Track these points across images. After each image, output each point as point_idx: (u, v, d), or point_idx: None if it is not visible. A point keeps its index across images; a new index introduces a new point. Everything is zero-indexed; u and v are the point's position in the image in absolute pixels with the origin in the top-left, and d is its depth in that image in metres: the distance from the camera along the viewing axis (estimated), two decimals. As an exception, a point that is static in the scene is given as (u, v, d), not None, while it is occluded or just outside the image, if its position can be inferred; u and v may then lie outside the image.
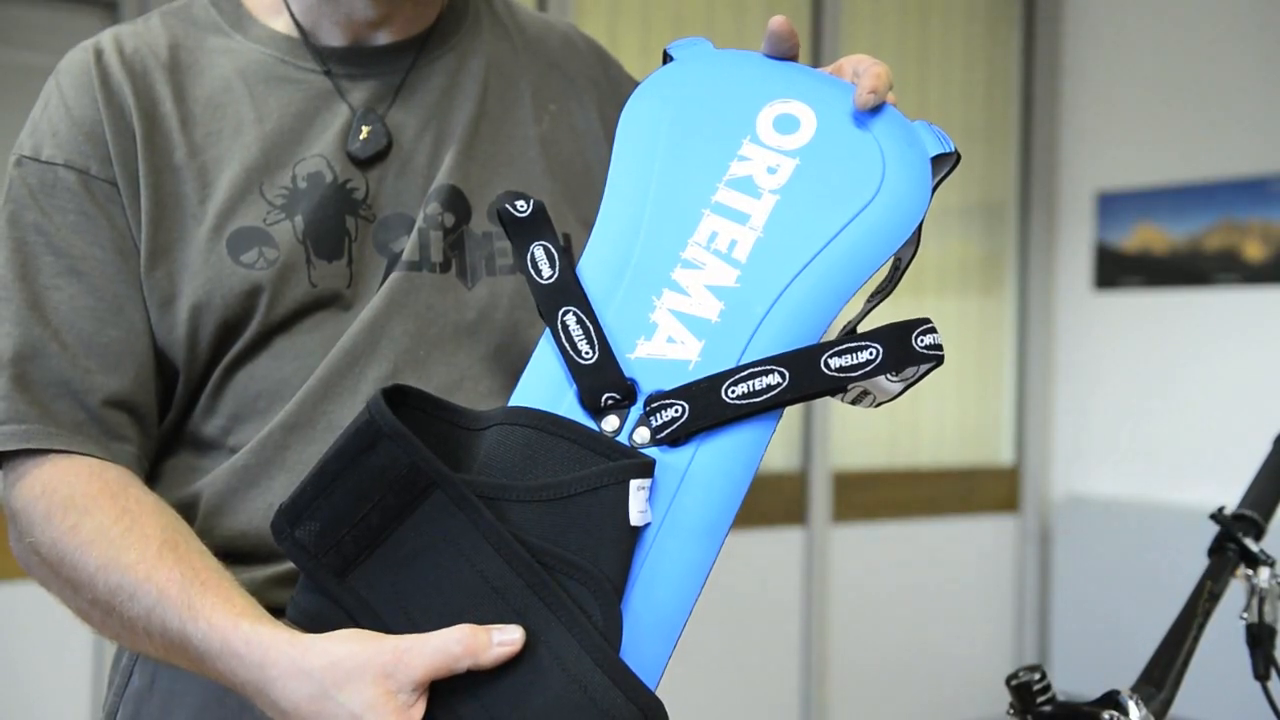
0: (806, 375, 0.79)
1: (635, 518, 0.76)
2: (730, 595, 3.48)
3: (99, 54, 1.00)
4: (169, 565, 0.85)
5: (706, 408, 0.79)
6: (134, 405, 0.96)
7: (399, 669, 0.73)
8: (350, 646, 0.75)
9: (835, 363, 0.80)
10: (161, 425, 1.00)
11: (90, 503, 0.90)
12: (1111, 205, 4.02)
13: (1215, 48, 3.80)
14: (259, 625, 0.81)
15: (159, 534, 0.88)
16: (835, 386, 0.81)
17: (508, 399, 1.01)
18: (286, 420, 0.96)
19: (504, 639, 0.74)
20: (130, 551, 0.86)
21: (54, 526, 0.90)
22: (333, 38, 1.04)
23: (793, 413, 3.64)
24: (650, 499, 0.78)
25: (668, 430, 0.80)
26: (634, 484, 0.76)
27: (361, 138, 1.00)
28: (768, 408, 0.79)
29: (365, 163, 1.00)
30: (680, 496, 0.78)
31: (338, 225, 0.98)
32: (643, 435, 0.81)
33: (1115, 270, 4.01)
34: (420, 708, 0.75)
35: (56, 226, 0.96)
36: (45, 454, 0.93)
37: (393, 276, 0.98)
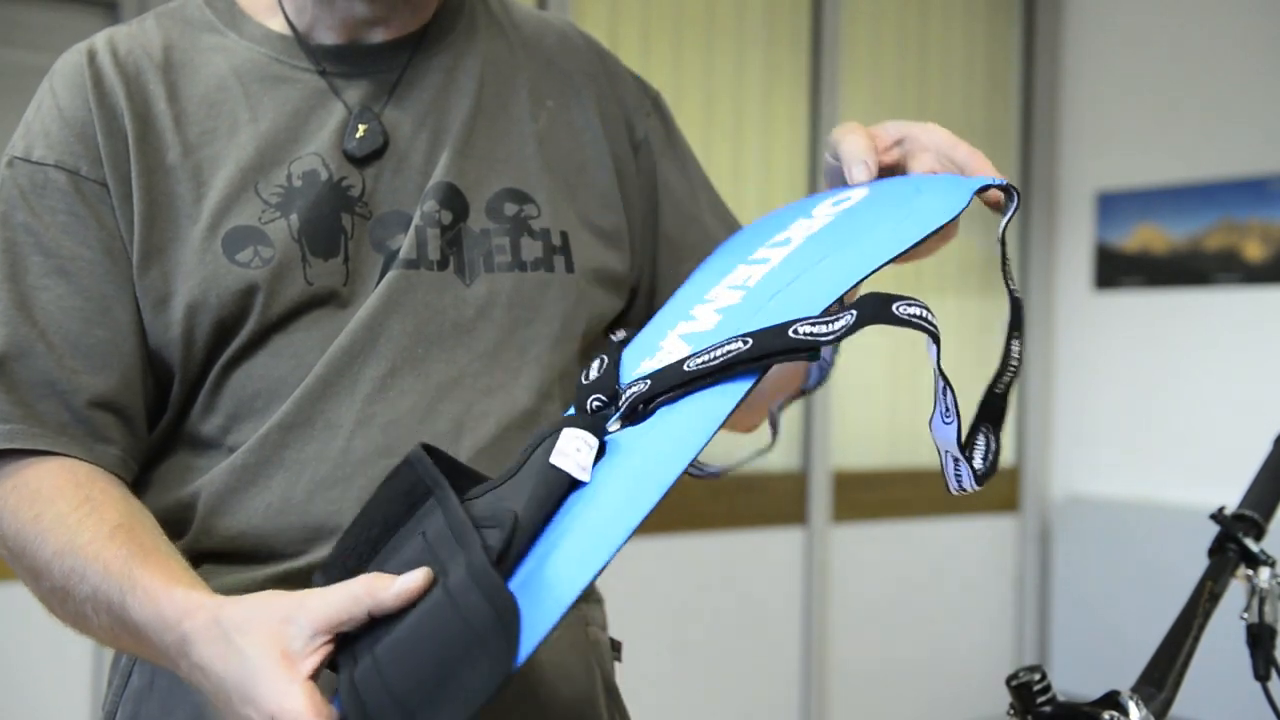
0: (771, 340, 0.76)
1: (559, 459, 0.73)
2: (730, 595, 3.48)
3: (92, 55, 1.00)
4: (118, 544, 0.85)
5: (667, 378, 0.78)
6: (120, 406, 0.96)
7: (299, 613, 0.72)
8: (262, 596, 0.75)
9: (805, 329, 0.77)
10: (159, 426, 1.00)
11: (55, 493, 0.90)
12: (1111, 205, 4.02)
13: (1215, 48, 3.80)
14: (191, 591, 0.80)
15: (115, 518, 0.88)
16: (800, 347, 0.76)
17: (505, 396, 1.01)
18: (284, 419, 0.96)
19: (407, 578, 0.72)
20: (84, 534, 0.87)
21: (19, 518, 0.90)
22: (328, 37, 1.04)
23: (793, 413, 3.63)
24: (599, 464, 0.75)
25: (628, 404, 0.79)
26: (567, 431, 0.75)
27: (358, 136, 1.00)
28: (726, 369, 0.76)
29: (361, 161, 1.00)
30: (625, 455, 0.76)
31: (333, 223, 0.98)
32: (615, 426, 0.81)
33: (1115, 270, 4.01)
34: (318, 656, 0.73)
35: (46, 226, 0.96)
36: (29, 454, 0.93)
37: (390, 275, 0.98)
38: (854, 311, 0.76)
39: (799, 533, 3.65)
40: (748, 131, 3.65)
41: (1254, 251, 3.70)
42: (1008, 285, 0.83)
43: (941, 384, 0.80)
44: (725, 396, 0.75)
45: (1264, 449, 1.22)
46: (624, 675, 1.14)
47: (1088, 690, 0.87)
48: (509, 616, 0.64)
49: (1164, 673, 0.99)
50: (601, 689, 1.08)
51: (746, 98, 3.65)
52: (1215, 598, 1.06)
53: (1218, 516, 1.13)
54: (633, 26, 3.46)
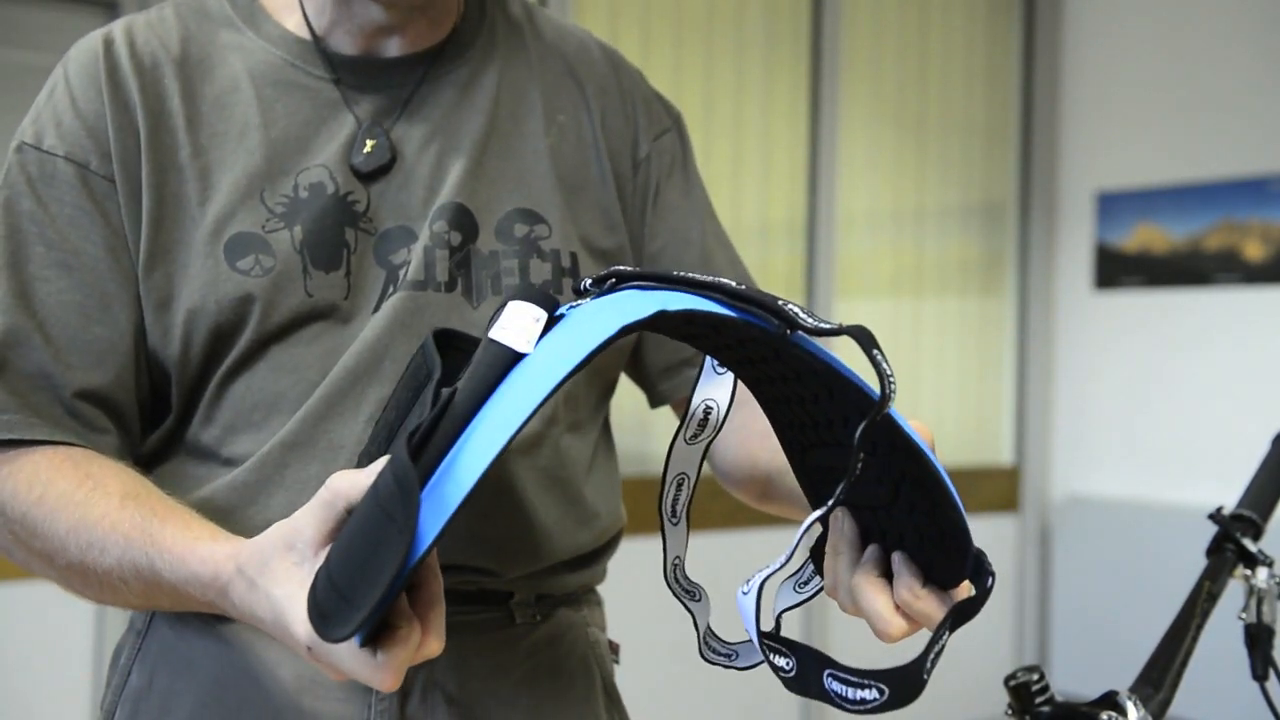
0: (760, 295, 0.71)
1: (498, 333, 0.70)
2: (730, 595, 3.47)
3: (109, 45, 0.99)
4: (130, 511, 0.86)
5: (653, 274, 0.73)
6: (112, 402, 0.96)
7: (296, 536, 0.73)
8: (267, 533, 0.75)
9: (794, 308, 0.71)
10: (159, 430, 1.00)
11: (53, 473, 0.90)
12: (1111, 205, 4.02)
13: (1215, 47, 3.80)
14: (214, 544, 0.81)
15: (119, 489, 0.88)
16: (779, 312, 0.70)
17: None
18: (287, 438, 0.95)
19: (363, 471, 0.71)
20: (95, 509, 0.87)
21: (20, 501, 0.90)
22: (345, 45, 1.02)
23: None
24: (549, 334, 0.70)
25: (603, 277, 0.74)
26: (512, 304, 0.71)
27: (365, 151, 0.99)
28: (707, 286, 0.71)
29: (367, 176, 0.99)
30: (568, 322, 0.70)
31: (336, 236, 0.97)
32: (582, 300, 0.75)
33: (1115, 270, 4.01)
34: None
35: (51, 218, 0.96)
36: (23, 444, 0.92)
37: (397, 296, 0.97)
38: (842, 324, 0.72)
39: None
40: (748, 131, 3.65)
41: (1254, 251, 3.70)
42: (925, 660, 0.77)
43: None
44: (691, 299, 0.71)
45: (1263, 449, 1.22)
46: (623, 676, 1.14)
47: (1087, 690, 0.87)
48: (407, 483, 0.64)
49: (1162, 673, 0.99)
50: (600, 690, 1.08)
51: (746, 98, 3.65)
52: (1213, 598, 1.06)
53: (1216, 516, 1.13)
54: (633, 26, 3.45)
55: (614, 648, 1.13)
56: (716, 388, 0.83)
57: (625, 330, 0.68)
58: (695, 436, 0.85)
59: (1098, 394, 4.05)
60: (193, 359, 0.96)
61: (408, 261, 0.98)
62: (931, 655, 0.75)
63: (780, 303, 0.71)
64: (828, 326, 0.70)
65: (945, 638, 0.77)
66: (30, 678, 2.68)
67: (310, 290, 0.96)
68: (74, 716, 2.70)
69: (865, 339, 0.71)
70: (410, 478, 0.64)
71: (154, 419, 1.01)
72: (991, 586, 0.77)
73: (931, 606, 0.78)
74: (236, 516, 0.95)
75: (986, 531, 4.01)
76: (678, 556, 0.88)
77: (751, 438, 1.05)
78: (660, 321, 0.70)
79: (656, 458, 3.38)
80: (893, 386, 0.70)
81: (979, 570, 0.78)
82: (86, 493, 0.88)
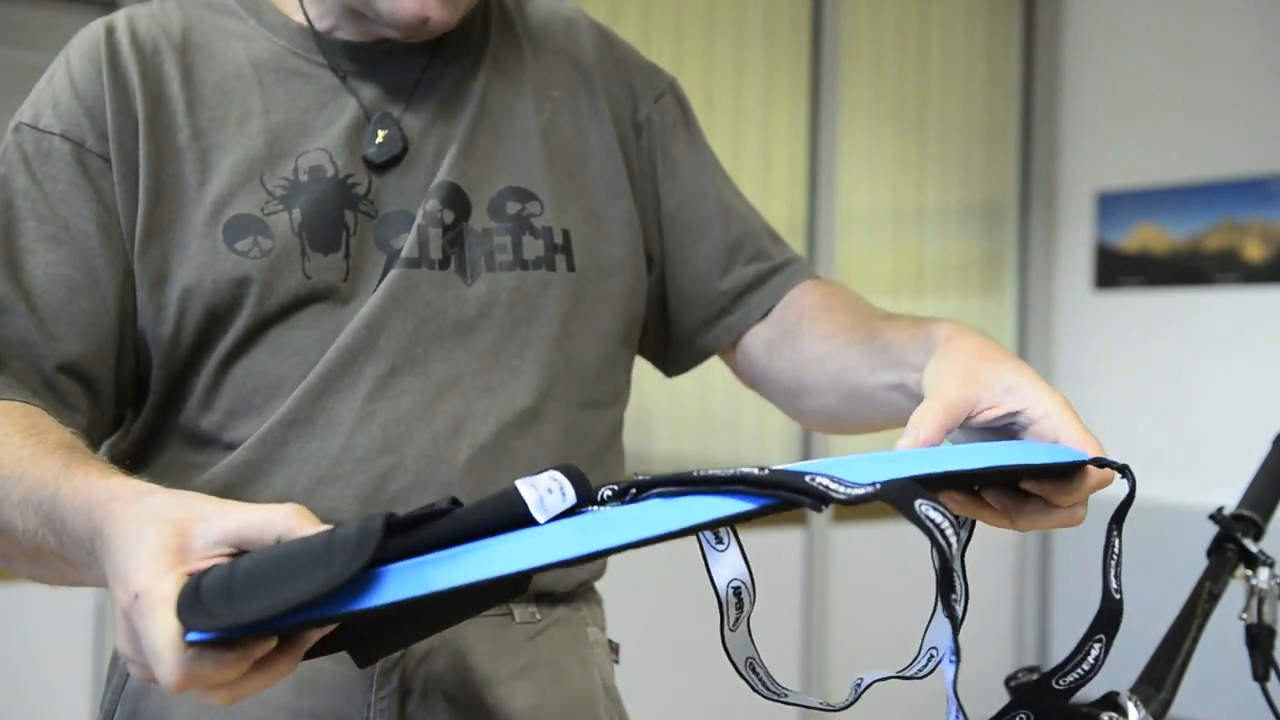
0: (786, 476, 0.69)
1: (525, 486, 0.68)
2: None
3: (110, 31, 1.01)
4: (58, 457, 0.82)
5: (673, 477, 0.71)
6: (90, 376, 0.96)
7: (216, 517, 0.67)
8: (196, 494, 0.71)
9: (822, 480, 0.70)
10: (146, 415, 1.00)
11: (1, 418, 0.88)
12: (1111, 205, 4.01)
13: (1215, 48, 3.80)
14: (126, 479, 0.76)
15: (58, 440, 0.85)
16: (808, 491, 0.69)
17: (505, 395, 1.00)
18: (285, 417, 0.96)
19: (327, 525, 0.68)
20: (26, 450, 0.84)
21: None
22: (348, 34, 1.04)
23: (793, 412, 3.63)
24: (568, 517, 0.69)
25: (625, 487, 0.72)
26: (551, 471, 0.70)
27: (378, 142, 1.00)
28: (731, 482, 0.69)
29: (381, 167, 1.00)
30: (587, 517, 0.69)
31: (336, 219, 0.98)
32: (602, 506, 0.73)
33: (1115, 270, 4.01)
34: (211, 562, 0.66)
35: (45, 194, 0.97)
36: None
37: (391, 274, 0.98)
38: (877, 486, 0.70)
39: (799, 533, 3.65)
40: (747, 130, 3.65)
41: (1254, 251, 3.70)
42: (1108, 582, 0.81)
43: (948, 592, 0.75)
44: (716, 506, 0.69)
45: (1263, 449, 1.22)
46: (623, 676, 1.14)
47: (1087, 690, 0.87)
48: (365, 544, 0.62)
49: (1163, 673, 0.99)
50: (600, 690, 1.08)
51: (746, 97, 3.65)
52: (1214, 598, 1.06)
53: (1216, 517, 1.13)
54: (632, 25, 3.46)
55: (614, 648, 1.13)
56: (729, 564, 0.78)
57: (644, 542, 0.67)
58: (737, 621, 0.80)
59: (1097, 394, 4.05)
60: (184, 339, 0.97)
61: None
62: (1113, 570, 0.79)
63: (808, 478, 0.69)
64: (861, 493, 0.69)
65: (1117, 541, 0.81)
66: (30, 678, 2.68)
67: (308, 272, 0.97)
68: (74, 716, 2.70)
69: (904, 500, 0.70)
70: (371, 540, 0.62)
71: (135, 405, 1.01)
72: (1132, 476, 0.82)
73: (1091, 481, 0.85)
74: (236, 495, 0.95)
75: (986, 531, 4.01)
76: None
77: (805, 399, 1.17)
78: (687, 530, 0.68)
79: (657, 458, 3.39)
80: (946, 539, 0.70)
81: (1108, 466, 0.84)
82: (23, 437, 0.86)
